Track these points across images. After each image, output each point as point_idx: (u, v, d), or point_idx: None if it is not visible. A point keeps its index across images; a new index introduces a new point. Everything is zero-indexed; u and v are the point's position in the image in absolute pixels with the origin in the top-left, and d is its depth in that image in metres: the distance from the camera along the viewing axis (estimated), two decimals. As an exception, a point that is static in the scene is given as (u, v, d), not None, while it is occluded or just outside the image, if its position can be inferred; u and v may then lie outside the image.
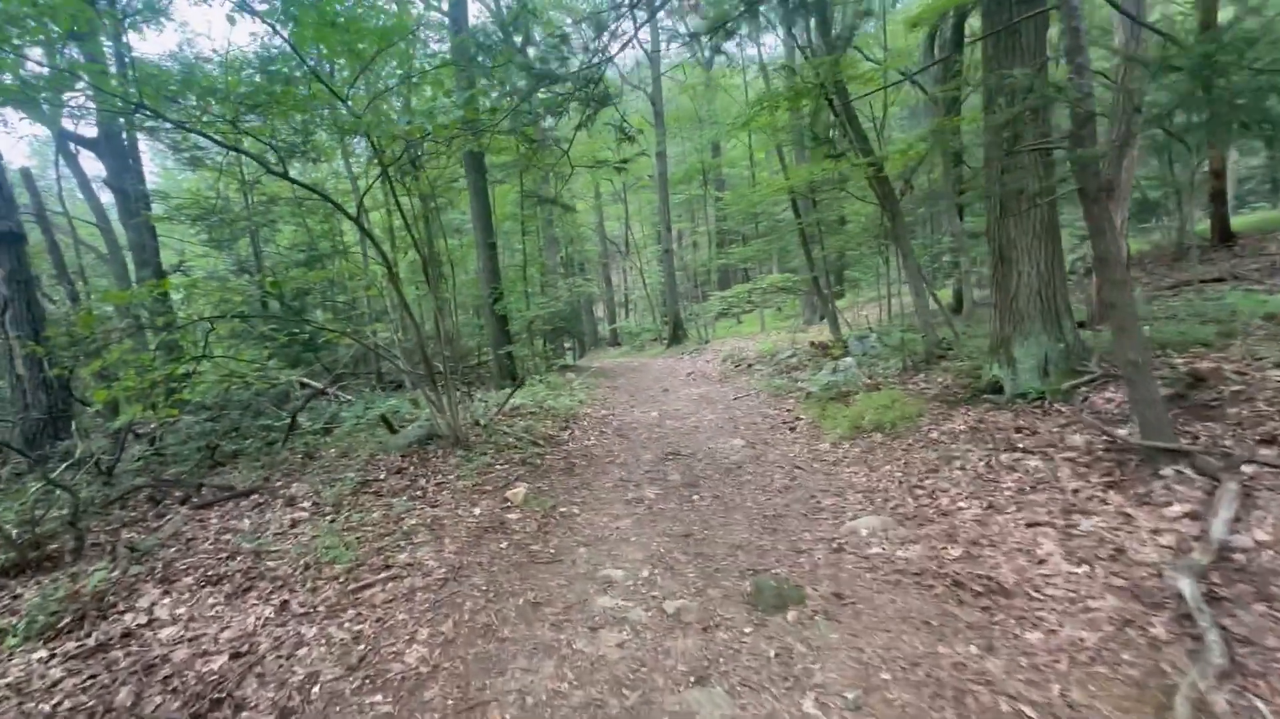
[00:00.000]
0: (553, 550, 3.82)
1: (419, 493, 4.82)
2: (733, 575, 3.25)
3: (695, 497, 4.69)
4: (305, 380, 10.55)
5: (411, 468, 5.44)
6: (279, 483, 5.40)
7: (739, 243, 24.84)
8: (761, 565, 3.32)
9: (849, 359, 8.57)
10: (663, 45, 18.03)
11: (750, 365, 12.05)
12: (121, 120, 9.63)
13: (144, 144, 12.65)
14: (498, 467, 5.45)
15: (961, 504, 3.61)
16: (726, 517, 4.20)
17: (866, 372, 8.29)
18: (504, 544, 3.90)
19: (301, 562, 3.60)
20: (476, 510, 4.42)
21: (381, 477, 5.19)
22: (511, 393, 7.21)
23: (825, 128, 8.59)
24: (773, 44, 25.63)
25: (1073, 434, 4.09)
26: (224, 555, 3.84)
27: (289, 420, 7.31)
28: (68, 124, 11.48)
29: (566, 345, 20.50)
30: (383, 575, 3.39)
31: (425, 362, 5.81)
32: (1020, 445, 4.14)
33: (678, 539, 3.85)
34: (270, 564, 3.63)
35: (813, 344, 11.94)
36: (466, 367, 14.90)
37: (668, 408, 9.32)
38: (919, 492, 4.02)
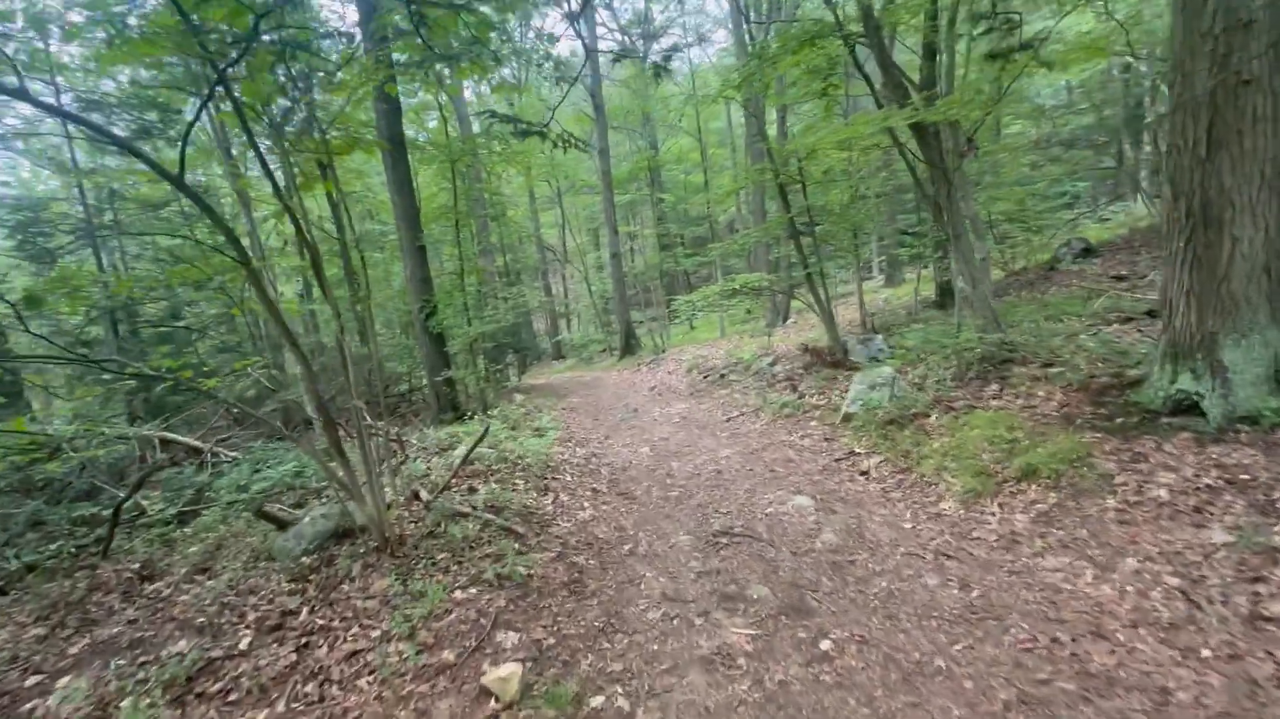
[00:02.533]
0: None
1: (312, 685, 2.52)
2: None
3: (825, 644, 2.64)
4: (169, 435, 7.74)
5: (305, 609, 3.11)
6: (53, 660, 2.94)
7: (680, 246, 23.20)
8: None
9: (885, 369, 6.79)
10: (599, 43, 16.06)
11: (723, 376, 10.36)
12: None
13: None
14: (458, 593, 3.19)
15: None
16: (920, 704, 2.19)
17: (915, 384, 6.58)
18: None
19: None
20: (430, 736, 2.20)
21: (243, 643, 2.83)
22: (471, 449, 4.90)
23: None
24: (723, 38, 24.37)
25: None
26: None
27: (113, 512, 4.67)
28: None
29: (508, 362, 18.04)
30: None
31: (326, 420, 3.49)
32: None
33: (876, 798, 1.81)
34: None
35: (805, 349, 10.17)
36: (393, 397, 12.23)
37: (654, 437, 7.26)
38: (1276, 631, 2.17)
